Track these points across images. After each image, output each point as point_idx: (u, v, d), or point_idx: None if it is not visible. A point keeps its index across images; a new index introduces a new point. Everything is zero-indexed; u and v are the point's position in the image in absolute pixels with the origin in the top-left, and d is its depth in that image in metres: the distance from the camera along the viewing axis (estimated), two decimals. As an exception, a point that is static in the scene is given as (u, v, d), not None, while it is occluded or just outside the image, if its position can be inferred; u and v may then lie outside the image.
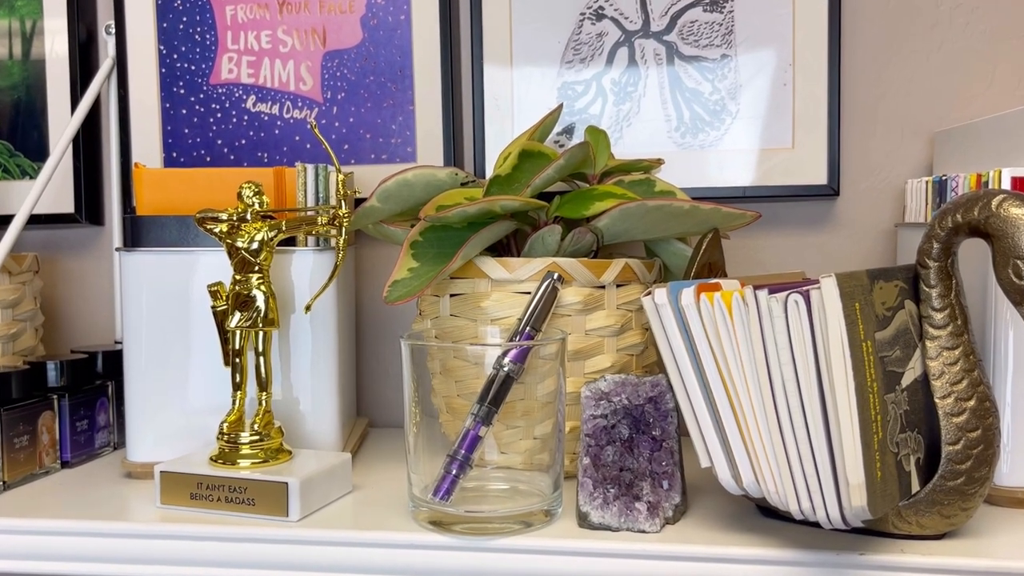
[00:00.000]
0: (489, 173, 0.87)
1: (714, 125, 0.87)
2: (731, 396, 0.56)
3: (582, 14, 0.88)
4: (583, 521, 0.61)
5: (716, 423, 0.57)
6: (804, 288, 0.52)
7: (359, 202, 0.77)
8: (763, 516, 0.63)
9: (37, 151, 0.97)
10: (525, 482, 0.65)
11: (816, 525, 0.56)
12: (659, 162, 0.81)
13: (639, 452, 0.62)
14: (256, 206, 0.70)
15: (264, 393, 0.70)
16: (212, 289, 0.71)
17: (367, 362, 0.96)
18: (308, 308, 0.73)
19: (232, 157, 0.94)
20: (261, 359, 0.70)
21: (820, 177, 0.86)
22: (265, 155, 0.93)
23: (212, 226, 0.70)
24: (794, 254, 0.90)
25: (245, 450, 0.68)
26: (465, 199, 0.72)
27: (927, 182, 0.77)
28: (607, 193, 0.72)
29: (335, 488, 0.69)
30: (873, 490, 0.51)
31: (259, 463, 0.67)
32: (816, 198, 0.88)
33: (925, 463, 0.57)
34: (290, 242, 0.75)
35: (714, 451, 0.58)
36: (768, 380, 0.54)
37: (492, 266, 0.69)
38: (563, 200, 0.73)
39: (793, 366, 0.53)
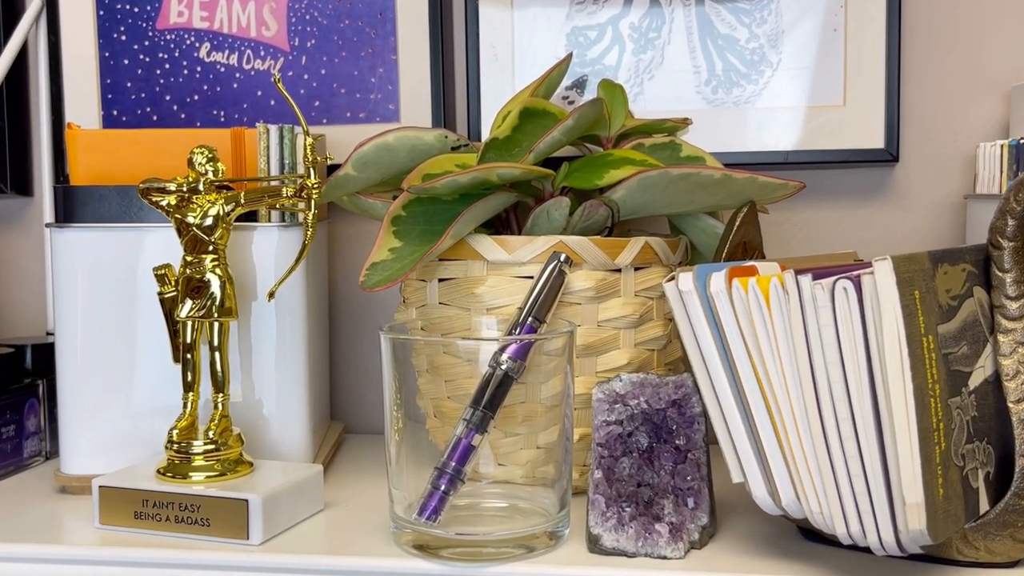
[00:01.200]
0: (485, 135, 0.87)
1: (751, 78, 0.87)
2: (768, 400, 0.56)
3: (595, -54, 0.88)
4: (594, 545, 0.61)
5: (750, 431, 0.57)
6: (854, 273, 0.52)
7: (332, 169, 0.77)
8: (805, 540, 0.63)
9: (-47, 108, 0.97)
10: (526, 499, 0.65)
11: (867, 551, 0.56)
12: (686, 122, 0.81)
13: (660, 465, 0.62)
14: (210, 174, 0.70)
15: (221, 395, 0.70)
16: (159, 272, 0.71)
17: (342, 358, 0.96)
18: (272, 295, 0.73)
19: (183, 116, 0.93)
20: (217, 354, 0.70)
21: (876, 140, 0.86)
22: (221, 113, 0.93)
23: (158, 198, 0.70)
24: (844, 231, 0.90)
25: (198, 461, 0.68)
26: (456, 166, 0.72)
27: (1002, 146, 0.77)
28: (624, 159, 0.72)
29: (304, 506, 0.69)
30: (934, 511, 0.52)
31: (215, 477, 0.68)
32: (871, 164, 0.88)
33: (996, 478, 0.57)
34: (250, 217, 0.75)
35: (748, 464, 0.58)
36: (812, 381, 0.54)
37: (488, 246, 0.69)
38: (572, 168, 0.73)
39: (841, 365, 0.53)
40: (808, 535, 0.63)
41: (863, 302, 0.52)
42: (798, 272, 0.54)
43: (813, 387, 0.54)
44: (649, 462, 0.62)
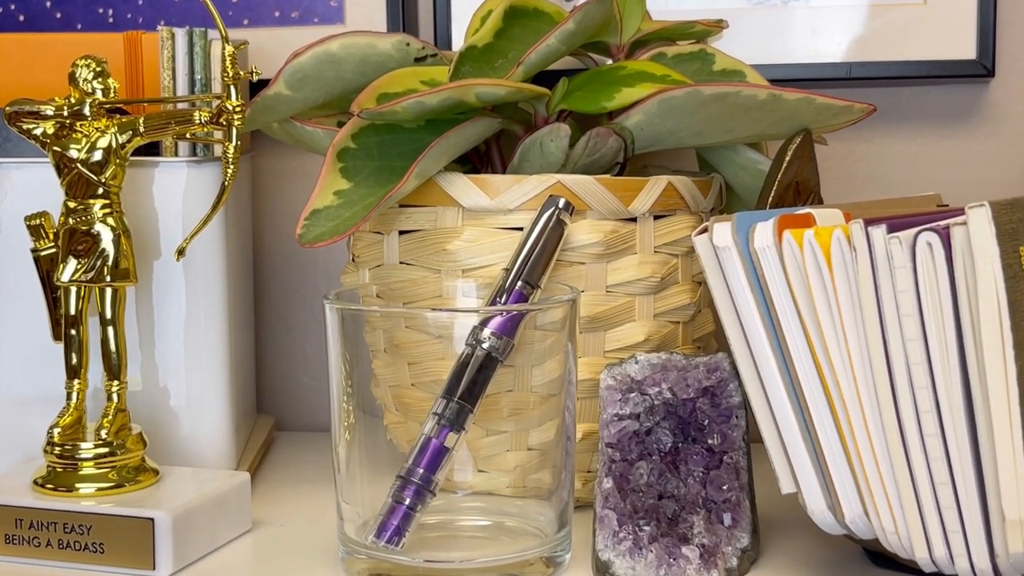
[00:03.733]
0: (459, 43, 0.86)
1: (805, -32, 0.87)
2: (828, 387, 0.57)
3: None
4: (603, 574, 0.61)
5: (805, 428, 0.58)
6: (941, 223, 0.52)
7: (258, 87, 0.76)
8: (875, 565, 0.64)
9: None
10: (515, 515, 0.66)
11: (954, 580, 0.57)
12: (720, 25, 0.80)
13: (688, 470, 0.63)
14: (99, 94, 0.70)
15: (116, 382, 0.70)
16: (33, 223, 0.71)
17: (272, 335, 0.96)
18: (181, 252, 0.73)
19: (58, 15, 0.92)
20: (110, 330, 0.70)
21: (966, 48, 0.86)
22: (110, 12, 0.92)
23: (31, 125, 0.69)
24: (925, 168, 0.90)
25: (88, 469, 0.68)
26: (422, 83, 0.72)
27: None
28: (640, 74, 0.72)
29: (226, 526, 0.69)
30: (1041, 528, 0.52)
31: (110, 489, 0.68)
32: (959, 80, 0.88)
33: (1119, 486, 0.58)
34: (152, 150, 0.74)
35: (802, 469, 0.58)
36: (885, 363, 0.54)
37: (464, 187, 0.69)
38: (573, 85, 0.73)
39: (924, 342, 0.53)
40: (878, 560, 0.64)
41: (952, 261, 0.52)
42: (868, 222, 0.54)
43: (887, 370, 0.54)
44: (674, 467, 0.63)
